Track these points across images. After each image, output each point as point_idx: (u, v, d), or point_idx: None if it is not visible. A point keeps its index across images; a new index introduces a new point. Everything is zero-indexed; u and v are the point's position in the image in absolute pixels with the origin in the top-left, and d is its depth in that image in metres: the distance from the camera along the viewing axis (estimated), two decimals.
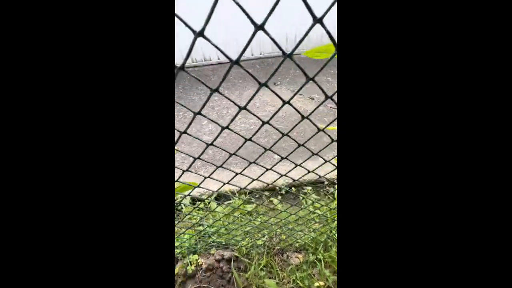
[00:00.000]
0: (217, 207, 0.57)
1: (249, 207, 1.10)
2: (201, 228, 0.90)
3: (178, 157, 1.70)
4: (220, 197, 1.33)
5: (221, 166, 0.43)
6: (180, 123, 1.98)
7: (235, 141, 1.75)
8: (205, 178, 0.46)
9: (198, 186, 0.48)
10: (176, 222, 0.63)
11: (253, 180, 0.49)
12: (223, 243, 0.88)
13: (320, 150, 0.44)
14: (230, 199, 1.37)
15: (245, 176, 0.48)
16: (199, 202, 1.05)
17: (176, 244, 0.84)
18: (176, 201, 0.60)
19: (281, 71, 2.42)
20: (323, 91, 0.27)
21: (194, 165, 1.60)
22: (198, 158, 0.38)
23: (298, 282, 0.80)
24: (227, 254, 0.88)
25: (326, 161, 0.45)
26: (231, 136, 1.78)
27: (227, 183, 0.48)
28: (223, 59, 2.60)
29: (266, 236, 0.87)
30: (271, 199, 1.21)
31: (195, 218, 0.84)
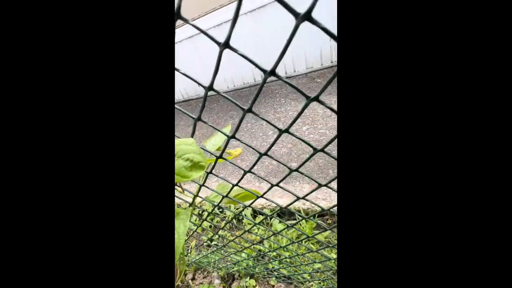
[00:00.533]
0: (283, 229, 0.43)
1: (321, 236, 0.86)
2: (260, 247, 0.77)
3: (243, 165, 1.73)
4: (284, 214, 1.17)
5: (323, 186, 0.29)
6: (247, 133, 2.05)
7: (302, 152, 1.56)
8: (272, 186, 0.33)
9: (262, 196, 0.36)
10: (233, 234, 0.53)
11: None
12: (286, 275, 0.70)
13: None
14: (295, 218, 1.17)
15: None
16: (261, 216, 0.93)
17: (234, 260, 0.75)
18: (230, 210, 0.51)
19: None
20: (332, 110, 0.15)
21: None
22: (296, 170, 0.27)
23: None
24: None
25: None
26: (297, 146, 1.62)
27: (303, 198, 0.33)
28: (289, 73, 2.58)
29: None
30: None
31: (255, 235, 0.72)
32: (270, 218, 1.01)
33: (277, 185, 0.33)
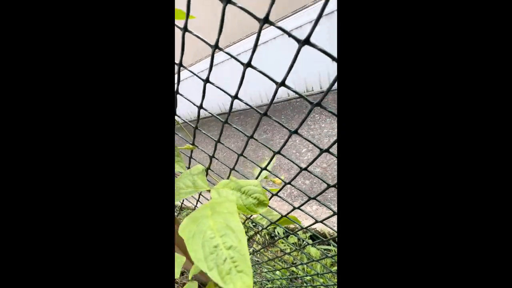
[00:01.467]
0: (322, 258, 0.47)
1: None
2: (293, 268, 0.81)
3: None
4: (316, 237, 1.16)
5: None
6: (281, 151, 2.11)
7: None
8: (316, 222, 0.39)
9: (306, 228, 0.42)
10: (266, 250, 0.60)
11: None
12: None
13: None
14: (328, 243, 1.14)
15: None
16: (294, 238, 0.97)
17: (268, 276, 0.80)
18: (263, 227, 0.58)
19: None
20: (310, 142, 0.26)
21: (290, 195, 1.58)
22: (288, 183, 0.34)
23: None
24: None
25: None
26: (332, 167, 1.59)
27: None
28: (323, 89, 2.57)
29: None
30: None
31: (289, 255, 0.76)
32: (303, 240, 1.02)
33: (322, 221, 0.39)
